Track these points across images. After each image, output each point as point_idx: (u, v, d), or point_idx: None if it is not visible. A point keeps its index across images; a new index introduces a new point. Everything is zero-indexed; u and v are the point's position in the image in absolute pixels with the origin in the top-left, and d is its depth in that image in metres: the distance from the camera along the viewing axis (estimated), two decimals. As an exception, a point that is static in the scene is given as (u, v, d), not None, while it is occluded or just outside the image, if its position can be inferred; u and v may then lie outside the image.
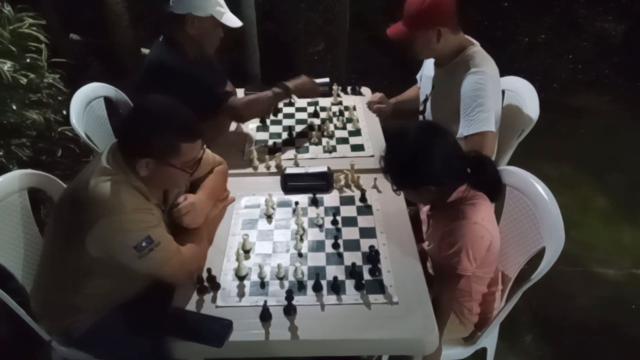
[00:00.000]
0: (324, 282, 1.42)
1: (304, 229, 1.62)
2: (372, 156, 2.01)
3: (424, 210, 1.63)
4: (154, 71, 1.83)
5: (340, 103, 2.38)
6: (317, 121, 2.24)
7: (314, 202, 1.75)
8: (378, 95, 2.33)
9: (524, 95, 2.08)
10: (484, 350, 1.70)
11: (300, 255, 1.54)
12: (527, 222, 1.55)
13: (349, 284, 1.42)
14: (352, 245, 1.56)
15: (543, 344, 2.10)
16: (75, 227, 1.31)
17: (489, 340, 1.67)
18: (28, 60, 2.21)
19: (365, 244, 1.56)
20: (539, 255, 1.48)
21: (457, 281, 1.45)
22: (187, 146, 1.35)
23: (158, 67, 1.82)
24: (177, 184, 1.52)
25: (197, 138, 1.39)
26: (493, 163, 1.47)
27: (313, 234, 1.61)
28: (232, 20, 1.87)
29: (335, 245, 1.56)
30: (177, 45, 1.85)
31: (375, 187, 1.82)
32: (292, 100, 2.39)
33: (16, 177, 1.57)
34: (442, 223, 1.46)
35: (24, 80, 2.10)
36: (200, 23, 1.81)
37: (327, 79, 2.50)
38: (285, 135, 2.15)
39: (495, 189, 1.46)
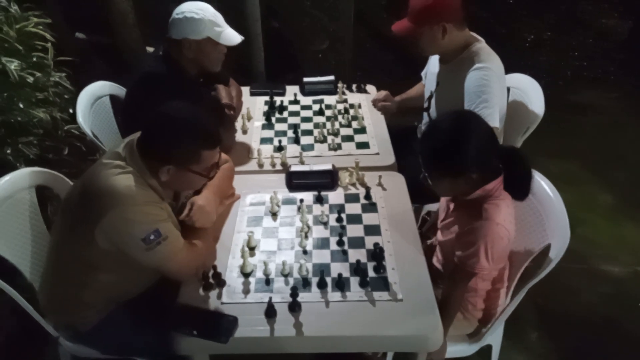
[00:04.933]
0: (328, 279, 1.43)
1: (308, 227, 1.63)
2: (378, 154, 2.01)
3: (446, 198, 1.61)
4: (145, 85, 1.81)
5: (345, 101, 2.38)
6: (322, 119, 2.24)
7: (319, 200, 1.76)
8: (383, 93, 2.33)
9: (529, 92, 2.07)
10: (489, 348, 1.70)
11: (305, 252, 1.54)
12: (532, 219, 1.55)
13: (354, 281, 1.43)
14: (357, 243, 1.57)
15: (547, 341, 2.10)
16: (85, 218, 1.33)
17: (494, 337, 1.67)
18: (34, 59, 2.22)
19: (369, 241, 1.56)
20: (544, 252, 1.48)
21: (470, 279, 1.45)
22: (207, 153, 1.39)
23: (149, 82, 1.81)
24: (194, 187, 1.55)
25: (218, 145, 1.43)
26: (527, 159, 1.42)
27: (318, 231, 1.62)
28: (230, 39, 1.82)
29: (340, 243, 1.57)
30: (174, 65, 1.83)
31: (380, 184, 1.82)
32: (297, 98, 2.40)
33: (24, 175, 1.58)
34: (462, 219, 1.46)
35: (30, 79, 2.11)
36: (197, 46, 1.79)
37: (332, 77, 2.51)
38: (290, 133, 2.15)
39: (524, 187, 1.42)
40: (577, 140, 3.43)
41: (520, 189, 1.43)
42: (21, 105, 2.09)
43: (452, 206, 1.55)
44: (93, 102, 2.14)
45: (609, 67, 4.38)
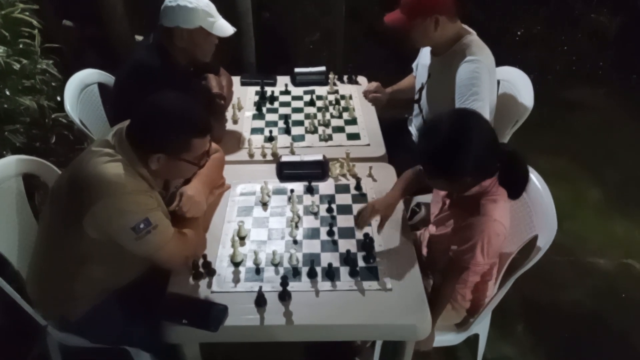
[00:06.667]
0: (318, 269, 1.44)
1: (299, 217, 1.63)
2: (368, 145, 2.02)
3: (441, 193, 1.61)
4: (135, 73, 1.79)
5: (336, 92, 2.38)
6: (313, 110, 2.24)
7: (310, 190, 1.76)
8: (374, 84, 2.32)
9: (519, 85, 2.09)
10: (476, 337, 1.72)
11: (295, 242, 1.55)
12: (520, 210, 1.57)
13: (344, 271, 1.44)
14: (347, 233, 1.58)
15: (534, 331, 2.12)
16: (74, 208, 1.31)
17: (481, 327, 1.69)
18: (21, 46, 2.19)
19: (360, 231, 1.57)
20: (531, 243, 1.49)
21: (463, 272, 1.46)
22: (198, 141, 1.38)
23: (140, 71, 1.79)
24: (184, 176, 1.55)
25: (208, 133, 1.42)
26: (524, 161, 1.40)
27: (308, 222, 1.62)
28: (223, 30, 1.82)
29: (330, 233, 1.57)
30: (165, 54, 1.81)
31: (370, 175, 1.82)
32: (288, 89, 2.39)
33: (11, 163, 1.56)
34: (459, 214, 1.46)
35: (17, 66, 2.08)
36: (189, 35, 1.78)
37: (323, 68, 2.50)
38: (281, 123, 2.15)
39: (520, 188, 1.40)
40: (567, 136, 3.46)
41: (515, 189, 1.41)
42: (7, 93, 2.06)
43: (447, 202, 1.55)
44: (81, 90, 2.11)
45: (599, 63, 4.42)
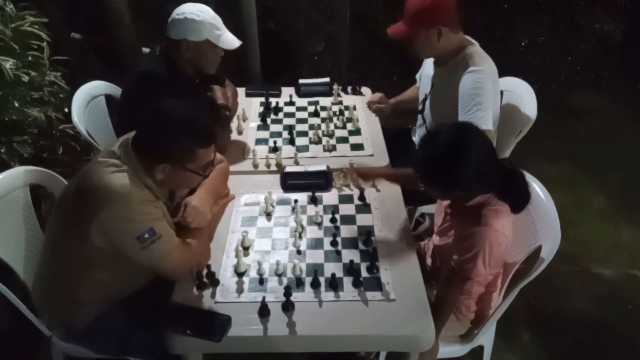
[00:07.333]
0: (322, 279, 1.44)
1: (302, 227, 1.64)
2: (372, 155, 2.02)
3: (444, 203, 1.61)
4: (141, 84, 1.81)
5: (340, 103, 2.40)
6: (317, 120, 2.25)
7: (313, 200, 1.76)
8: (378, 95, 2.34)
9: (522, 95, 2.09)
10: (480, 348, 1.71)
11: (299, 252, 1.55)
12: (524, 221, 1.56)
13: (347, 281, 1.44)
14: (351, 243, 1.58)
15: (540, 342, 2.11)
16: (80, 216, 1.33)
17: (486, 338, 1.68)
18: (30, 58, 2.22)
19: (362, 242, 1.57)
20: (535, 253, 1.49)
21: (465, 283, 1.45)
22: (203, 151, 1.40)
23: (146, 82, 1.80)
24: (189, 186, 1.56)
25: (213, 143, 1.44)
26: (524, 177, 1.40)
27: (312, 232, 1.63)
28: (229, 42, 1.85)
29: (334, 243, 1.57)
30: (171, 65, 1.84)
31: (374, 186, 1.83)
32: (293, 100, 2.41)
33: (18, 173, 1.58)
34: (460, 224, 1.46)
35: (25, 78, 2.11)
36: (196, 47, 1.80)
37: (327, 79, 2.52)
38: (285, 134, 2.16)
39: (520, 202, 1.40)
40: (572, 144, 3.46)
41: (516, 205, 1.41)
42: (16, 104, 2.10)
43: (449, 212, 1.55)
44: (88, 102, 2.14)
45: (603, 71, 4.42)
